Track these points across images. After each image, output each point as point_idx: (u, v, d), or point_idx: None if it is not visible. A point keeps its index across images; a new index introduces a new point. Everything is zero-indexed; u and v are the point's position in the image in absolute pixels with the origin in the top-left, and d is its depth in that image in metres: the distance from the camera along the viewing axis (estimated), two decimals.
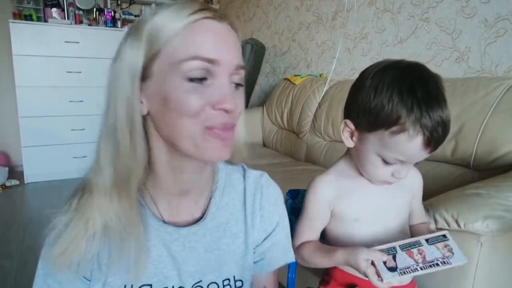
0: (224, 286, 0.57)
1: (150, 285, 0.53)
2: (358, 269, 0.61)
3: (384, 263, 0.60)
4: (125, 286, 0.52)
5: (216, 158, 0.50)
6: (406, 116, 0.57)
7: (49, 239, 0.51)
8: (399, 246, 0.62)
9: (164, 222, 0.55)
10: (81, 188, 0.52)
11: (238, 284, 0.58)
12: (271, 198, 0.63)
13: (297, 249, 0.75)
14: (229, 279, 0.58)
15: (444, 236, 0.63)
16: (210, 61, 0.45)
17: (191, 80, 0.45)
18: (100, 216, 0.49)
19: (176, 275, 0.55)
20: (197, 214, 0.58)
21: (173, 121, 0.46)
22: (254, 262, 0.62)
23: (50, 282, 0.52)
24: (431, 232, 0.67)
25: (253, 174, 0.63)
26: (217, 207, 0.59)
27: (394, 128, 0.58)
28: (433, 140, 0.58)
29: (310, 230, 0.75)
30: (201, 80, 0.45)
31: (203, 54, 0.44)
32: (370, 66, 0.65)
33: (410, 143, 0.58)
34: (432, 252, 0.61)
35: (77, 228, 0.49)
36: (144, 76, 0.47)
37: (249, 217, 0.60)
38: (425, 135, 0.57)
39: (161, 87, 0.46)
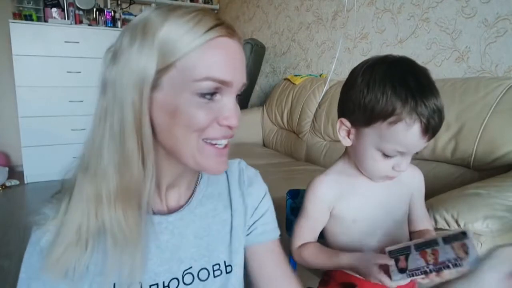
0: (214, 271, 0.58)
1: (140, 282, 0.53)
2: (370, 275, 0.61)
3: (397, 263, 0.58)
4: (114, 285, 0.51)
5: (216, 172, 0.52)
6: (402, 106, 0.58)
7: (38, 246, 0.49)
8: (414, 245, 0.59)
9: (154, 213, 0.56)
10: (68, 189, 0.50)
11: (228, 269, 0.59)
12: (253, 178, 0.66)
13: (297, 250, 0.75)
14: (219, 264, 0.59)
15: (464, 233, 0.56)
16: (224, 83, 0.46)
17: (203, 96, 0.46)
18: (96, 221, 0.48)
19: (167, 269, 0.55)
20: (183, 203, 0.59)
21: (178, 134, 0.47)
22: (248, 235, 0.63)
23: (34, 286, 0.50)
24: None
25: (232, 163, 0.66)
26: (203, 195, 0.61)
27: (391, 119, 0.59)
28: (431, 127, 0.59)
29: (309, 231, 0.75)
30: (212, 95, 0.47)
31: (218, 76, 0.46)
32: (359, 65, 0.65)
33: (408, 132, 0.59)
34: (447, 252, 0.56)
35: (69, 236, 0.47)
36: (153, 86, 0.46)
37: (236, 202, 0.62)
38: (422, 123, 0.58)
39: (170, 100, 0.46)
